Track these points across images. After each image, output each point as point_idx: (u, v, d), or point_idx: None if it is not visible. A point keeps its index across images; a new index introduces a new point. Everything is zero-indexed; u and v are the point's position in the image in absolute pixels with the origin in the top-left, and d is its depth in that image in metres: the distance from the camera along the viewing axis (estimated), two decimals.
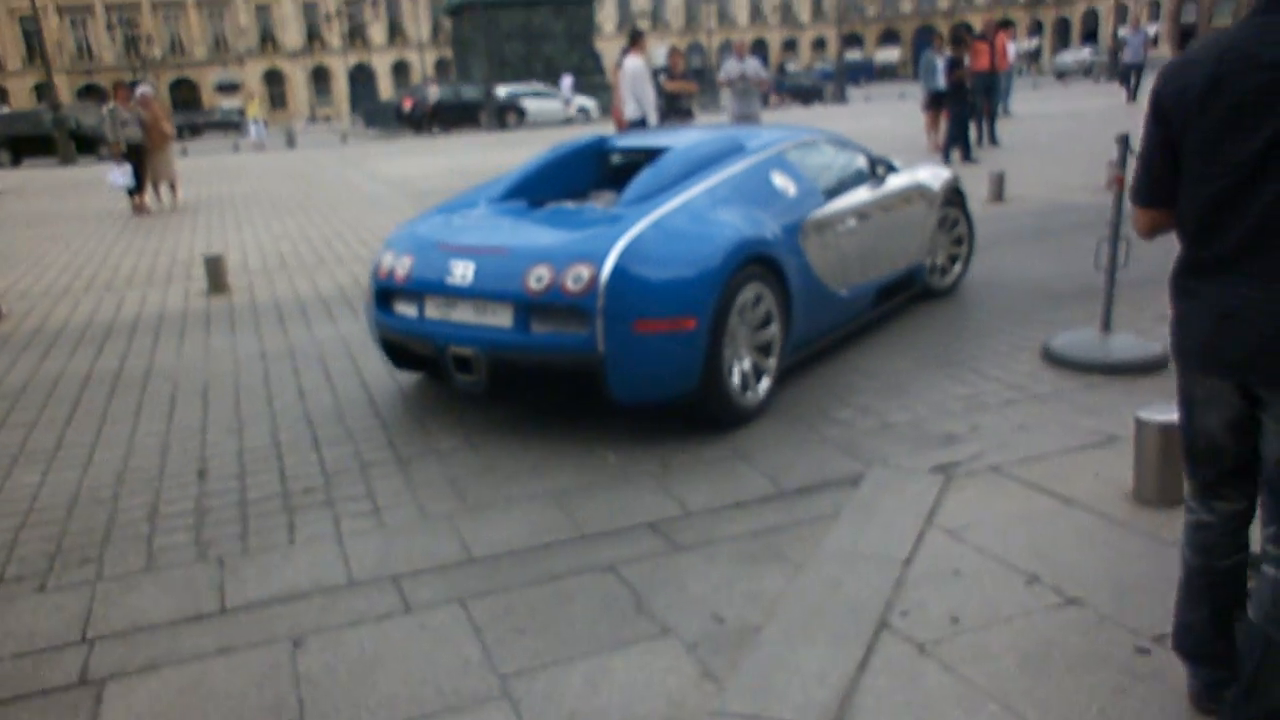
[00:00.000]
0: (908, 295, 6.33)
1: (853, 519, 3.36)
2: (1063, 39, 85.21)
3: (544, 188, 5.38)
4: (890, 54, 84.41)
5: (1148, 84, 25.25)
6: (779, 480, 3.85)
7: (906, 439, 4.18)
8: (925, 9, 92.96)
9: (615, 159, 5.80)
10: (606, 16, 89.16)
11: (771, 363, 4.60)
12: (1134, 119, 13.01)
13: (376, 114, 41.02)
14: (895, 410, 4.52)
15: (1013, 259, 7.77)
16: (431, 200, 13.88)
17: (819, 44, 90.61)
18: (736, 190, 4.79)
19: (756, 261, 4.40)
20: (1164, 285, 2.22)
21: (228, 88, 70.67)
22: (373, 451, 4.41)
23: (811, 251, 4.91)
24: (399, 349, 4.85)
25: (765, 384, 4.58)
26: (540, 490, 3.88)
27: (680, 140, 5.41)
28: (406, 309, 4.68)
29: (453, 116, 34.17)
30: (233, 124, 48.02)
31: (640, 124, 12.23)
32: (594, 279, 4.04)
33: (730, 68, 13.59)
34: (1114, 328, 5.05)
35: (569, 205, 5.18)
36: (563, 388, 4.47)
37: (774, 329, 4.56)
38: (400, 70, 76.49)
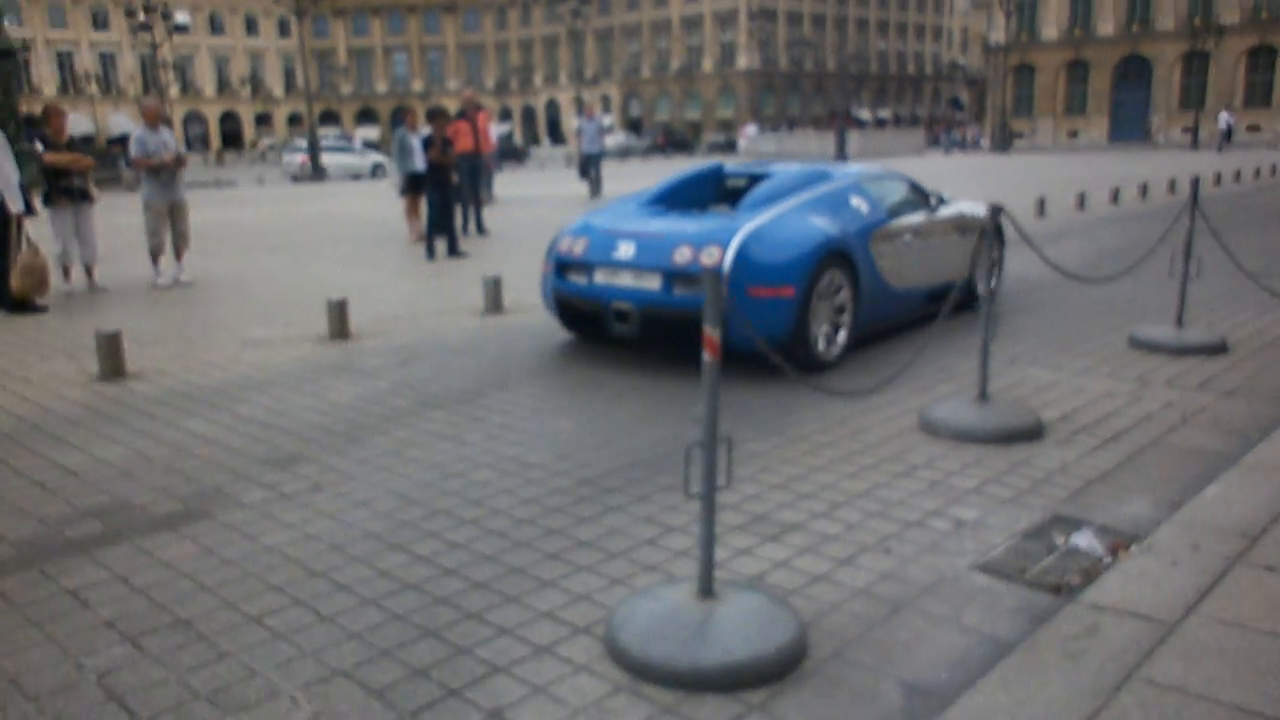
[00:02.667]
0: (956, 302, 6.69)
1: None
2: (529, 125, 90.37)
3: (675, 199, 7.18)
4: (370, 132, 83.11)
5: (605, 172, 26.03)
6: None
7: None
8: (400, 90, 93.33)
9: (729, 183, 7.47)
10: (45, 77, 77.17)
11: (844, 331, 6.27)
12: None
13: None
14: None
15: (530, 417, 5.65)
16: None
17: (294, 119, 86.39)
18: (824, 205, 6.50)
19: (836, 254, 6.14)
20: None
21: None
22: None
23: (877, 255, 6.48)
24: (568, 309, 6.65)
25: (839, 344, 6.26)
26: None
27: (781, 170, 7.14)
28: (578, 278, 6.47)
29: None
30: None
31: None
32: (721, 257, 5.79)
33: (141, 139, 10.29)
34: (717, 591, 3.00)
35: (696, 211, 7.00)
36: (692, 337, 4.99)
37: (847, 306, 6.21)
38: None
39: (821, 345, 6.13)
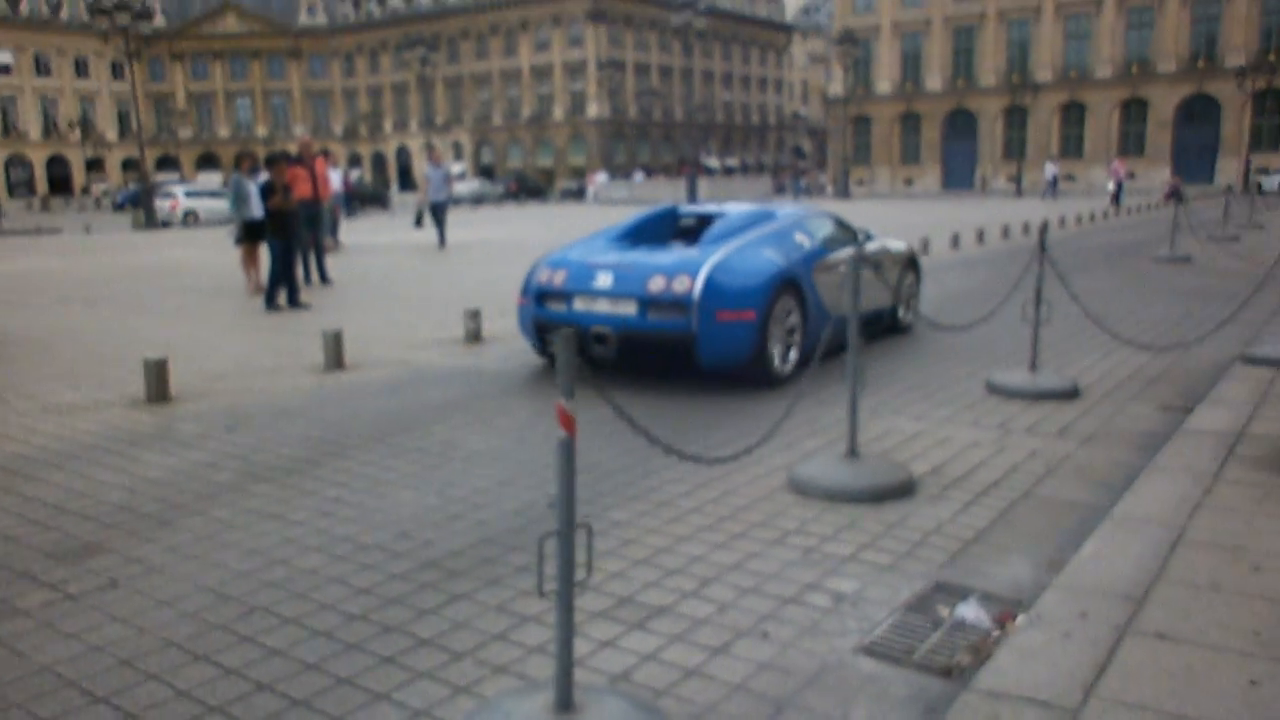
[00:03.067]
0: (885, 326, 8.79)
1: None
2: (379, 172, 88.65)
3: (639, 235, 8.01)
4: (212, 178, 79.65)
5: (455, 219, 25.34)
6: None
7: None
8: (243, 135, 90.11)
9: (682, 222, 8.37)
10: None
11: (794, 350, 7.06)
12: (455, 261, 11.22)
13: None
14: None
15: (370, 489, 5.13)
16: None
17: (129, 164, 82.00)
18: (773, 240, 7.37)
19: (787, 282, 6.96)
20: None
21: None
22: None
23: (818, 283, 7.33)
24: (547, 334, 7.03)
25: (791, 362, 7.03)
26: None
27: (731, 209, 8.16)
28: (557, 306, 7.13)
29: None
30: None
31: None
32: (691, 285, 6.54)
33: None
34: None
35: (661, 246, 7.74)
36: (665, 358, 6.78)
37: (797, 328, 7.05)
38: None
39: (777, 363, 6.89)
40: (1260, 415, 5.53)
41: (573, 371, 2.42)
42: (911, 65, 67.78)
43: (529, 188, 65.50)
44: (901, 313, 9.16)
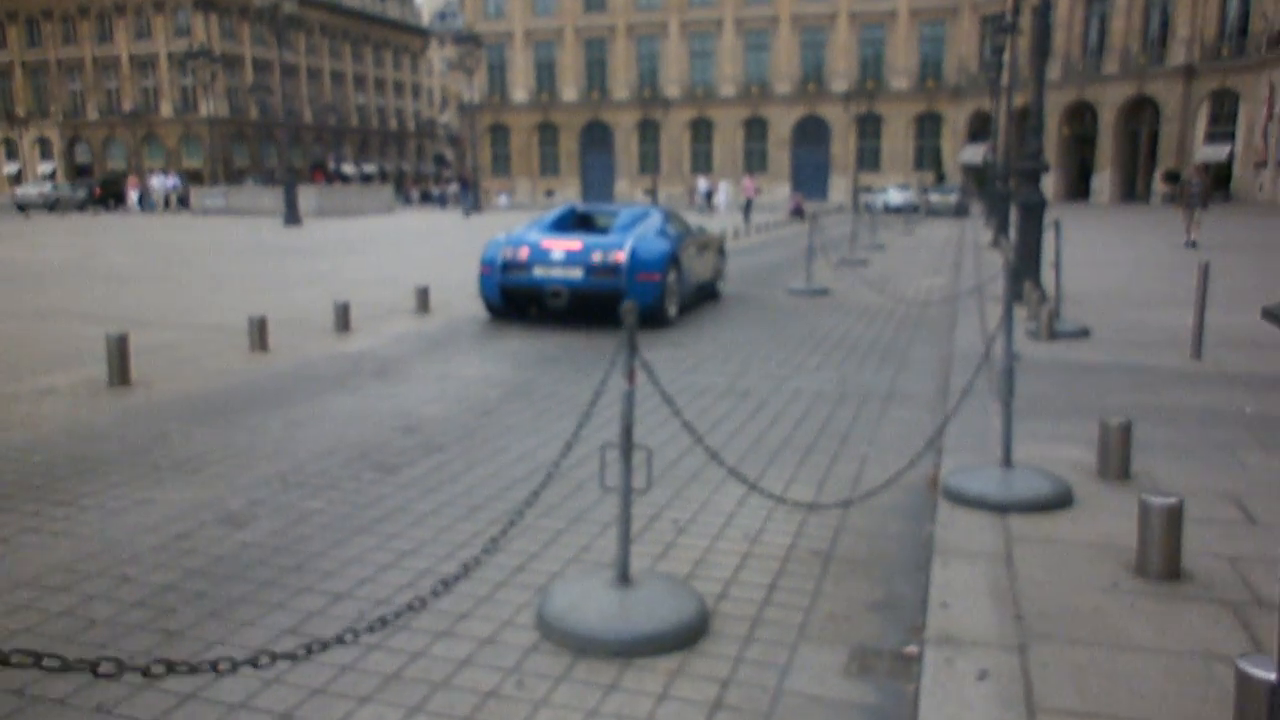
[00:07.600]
0: (707, 293, 12.48)
1: None
2: None
3: (558, 225, 11.29)
4: None
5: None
6: None
7: None
8: None
9: (580, 216, 11.88)
10: None
11: (675, 303, 10.46)
12: None
13: None
14: None
15: None
16: None
17: None
18: (660, 229, 10.84)
19: (672, 257, 10.45)
20: None
21: None
22: None
23: (683, 259, 10.53)
24: (513, 295, 10.50)
25: (674, 311, 10.47)
26: None
27: (623, 209, 11.81)
28: (519, 274, 10.33)
29: None
30: None
31: None
32: (621, 256, 9.95)
33: None
34: None
35: (583, 231, 11.27)
36: (600, 307, 9.89)
37: (677, 289, 10.32)
38: None
39: (670, 311, 10.46)
40: (1042, 688, 2.73)
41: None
42: (546, 75, 66.38)
43: (119, 193, 56.15)
44: (719, 284, 12.96)
